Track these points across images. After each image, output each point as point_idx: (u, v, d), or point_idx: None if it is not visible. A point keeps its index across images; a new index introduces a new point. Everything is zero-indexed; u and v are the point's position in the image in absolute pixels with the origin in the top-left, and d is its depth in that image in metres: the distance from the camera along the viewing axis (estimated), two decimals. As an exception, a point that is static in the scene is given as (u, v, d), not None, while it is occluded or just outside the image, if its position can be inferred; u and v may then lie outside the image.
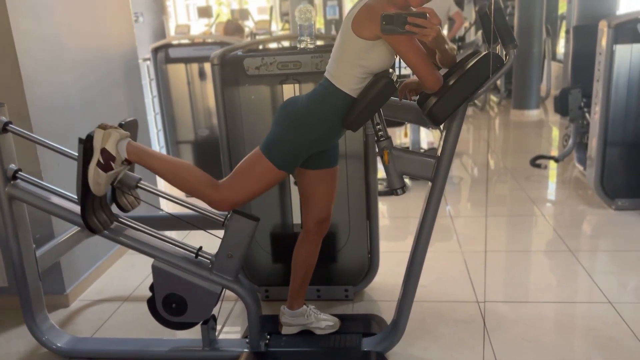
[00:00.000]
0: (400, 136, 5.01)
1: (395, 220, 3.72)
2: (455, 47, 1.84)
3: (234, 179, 1.84)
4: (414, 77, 1.82)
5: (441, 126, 1.83)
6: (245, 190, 1.83)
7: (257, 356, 2.07)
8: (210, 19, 9.47)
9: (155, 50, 4.18)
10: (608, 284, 2.58)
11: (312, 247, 2.13)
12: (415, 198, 3.93)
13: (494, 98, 8.18)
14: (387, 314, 2.34)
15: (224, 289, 1.99)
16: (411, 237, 1.98)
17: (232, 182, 1.83)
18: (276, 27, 10.55)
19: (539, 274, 2.79)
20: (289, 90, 2.28)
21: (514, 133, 6.41)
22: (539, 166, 4.51)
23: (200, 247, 2.00)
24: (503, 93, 7.89)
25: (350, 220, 2.43)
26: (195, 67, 4.17)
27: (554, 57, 7.91)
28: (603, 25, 3.35)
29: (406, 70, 1.89)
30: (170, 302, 1.99)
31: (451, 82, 1.70)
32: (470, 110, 7.38)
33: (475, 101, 7.35)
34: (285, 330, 2.21)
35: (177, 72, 4.19)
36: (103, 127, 1.83)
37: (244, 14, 9.63)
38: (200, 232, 2.08)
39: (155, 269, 1.98)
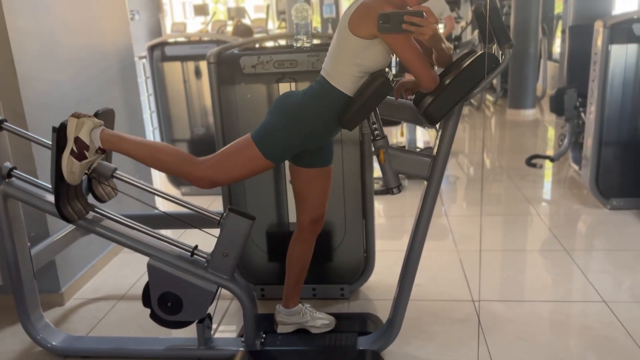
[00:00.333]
0: (397, 135, 5.01)
1: (391, 219, 3.73)
2: (451, 46, 1.84)
3: (218, 158, 1.82)
4: (410, 76, 1.82)
5: (437, 125, 1.83)
6: (228, 173, 1.82)
7: (253, 355, 2.06)
8: (207, 17, 9.46)
9: (151, 48, 4.16)
10: (603, 283, 2.59)
11: (306, 246, 2.13)
12: (411, 197, 3.94)
13: (489, 97, 8.20)
14: (383, 313, 2.34)
15: (220, 288, 1.99)
16: (407, 236, 1.98)
17: (215, 161, 1.82)
18: (273, 25, 10.56)
19: (534, 273, 2.80)
20: (285, 89, 2.27)
21: (510, 132, 6.43)
22: (534, 165, 4.53)
23: (196, 246, 1.99)
24: (499, 92, 7.91)
25: (346, 219, 2.44)
26: (191, 65, 4.15)
27: (549, 56, 7.93)
28: (599, 26, 3.36)
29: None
30: (166, 301, 1.99)
31: (447, 82, 1.70)
32: (466, 110, 7.40)
33: (471, 100, 7.37)
34: (280, 329, 2.21)
35: (173, 70, 4.17)
36: (77, 115, 1.81)
37: (241, 12, 9.61)
38: (196, 231, 2.08)
39: (150, 268, 1.97)
